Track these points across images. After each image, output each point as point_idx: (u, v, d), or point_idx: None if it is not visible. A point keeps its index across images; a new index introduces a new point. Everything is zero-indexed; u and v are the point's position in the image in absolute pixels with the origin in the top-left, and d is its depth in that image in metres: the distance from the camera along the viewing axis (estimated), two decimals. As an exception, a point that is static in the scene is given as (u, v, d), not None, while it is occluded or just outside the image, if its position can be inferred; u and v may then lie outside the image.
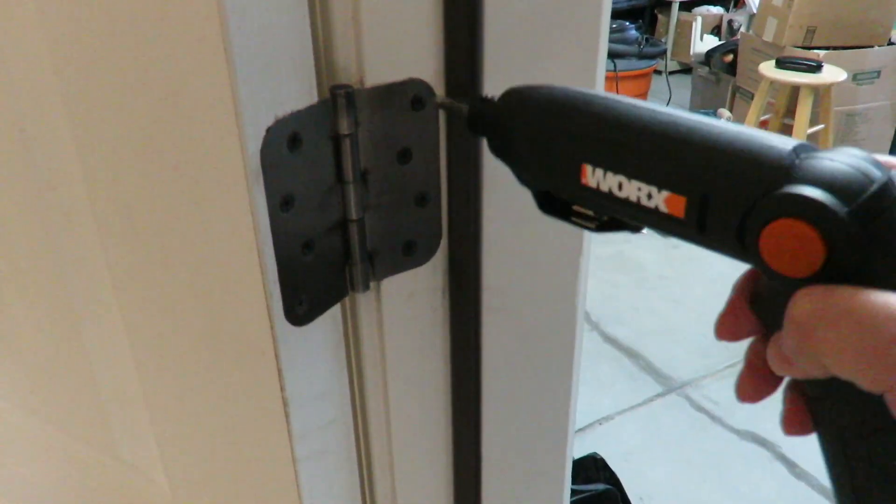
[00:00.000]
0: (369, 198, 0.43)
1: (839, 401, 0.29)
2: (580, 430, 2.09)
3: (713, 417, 2.13)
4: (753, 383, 0.32)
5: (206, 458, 0.54)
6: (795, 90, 3.03)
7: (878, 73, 3.20)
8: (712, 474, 1.94)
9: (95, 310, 0.54)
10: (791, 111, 3.09)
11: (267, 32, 0.35)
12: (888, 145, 3.37)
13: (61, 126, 0.44)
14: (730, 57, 3.77)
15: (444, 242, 0.47)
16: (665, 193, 0.30)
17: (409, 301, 0.47)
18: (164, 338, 0.49)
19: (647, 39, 4.04)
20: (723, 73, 3.84)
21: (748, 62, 3.53)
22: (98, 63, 0.39)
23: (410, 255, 0.46)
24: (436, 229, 0.46)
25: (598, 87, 0.47)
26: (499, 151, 0.38)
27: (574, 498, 1.60)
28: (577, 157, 0.33)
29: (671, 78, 4.24)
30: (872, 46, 3.22)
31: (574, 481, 1.66)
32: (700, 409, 2.17)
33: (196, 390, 0.50)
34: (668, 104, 4.01)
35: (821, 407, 0.30)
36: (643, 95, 3.89)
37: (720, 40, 4.32)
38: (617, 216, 0.34)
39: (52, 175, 0.49)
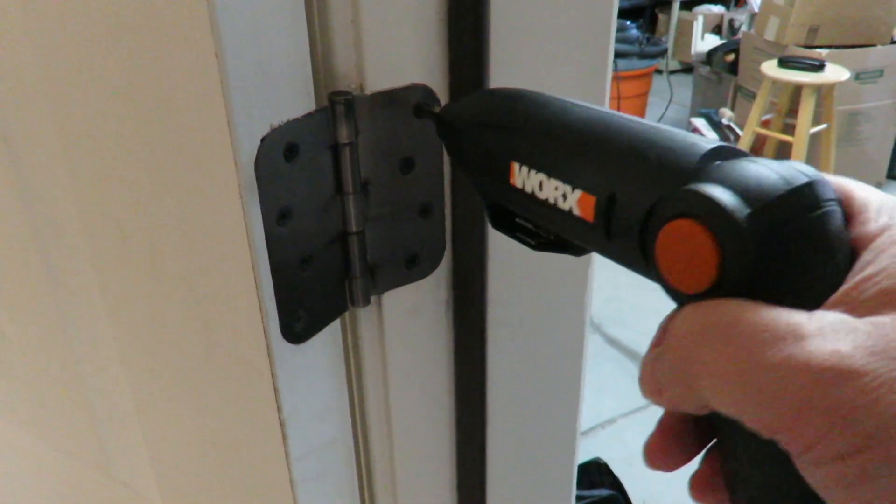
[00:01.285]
0: (370, 209, 0.41)
1: (748, 460, 0.24)
2: (583, 433, 2.07)
3: (717, 420, 2.11)
4: (666, 448, 0.27)
5: (201, 479, 0.52)
6: (798, 89, 3.01)
7: (882, 72, 3.17)
8: (716, 478, 1.92)
9: (87, 326, 0.52)
10: (793, 111, 3.07)
11: (261, 36, 0.33)
12: (891, 144, 3.35)
13: (48, 135, 0.42)
14: (731, 56, 3.75)
15: (447, 255, 0.45)
16: (578, 193, 0.28)
17: (412, 315, 0.45)
18: (158, 355, 0.47)
19: (647, 39, 4.02)
20: (724, 72, 3.82)
21: (750, 61, 3.51)
22: (85, 70, 0.37)
23: (413, 267, 0.44)
24: (439, 241, 0.44)
25: (606, 94, 0.45)
26: (450, 151, 0.38)
27: (579, 503, 1.59)
28: (506, 155, 0.32)
29: (672, 77, 4.22)
30: (875, 45, 3.19)
31: (578, 487, 1.65)
32: (703, 411, 2.16)
33: (191, 409, 0.48)
34: (669, 104, 3.99)
35: (732, 468, 0.25)
36: (644, 95, 3.87)
37: (721, 39, 4.29)
38: (545, 224, 0.32)
39: (40, 187, 0.47)
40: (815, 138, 3.04)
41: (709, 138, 0.26)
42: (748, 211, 0.21)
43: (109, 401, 0.56)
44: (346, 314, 0.44)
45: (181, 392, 0.48)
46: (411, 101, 0.39)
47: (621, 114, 0.29)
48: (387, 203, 0.41)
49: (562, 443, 0.56)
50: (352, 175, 0.39)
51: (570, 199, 0.29)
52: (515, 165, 0.32)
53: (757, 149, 3.29)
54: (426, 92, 0.39)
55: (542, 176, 0.30)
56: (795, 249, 0.22)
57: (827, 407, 0.19)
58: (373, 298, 0.43)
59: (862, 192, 0.24)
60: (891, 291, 0.20)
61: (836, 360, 0.19)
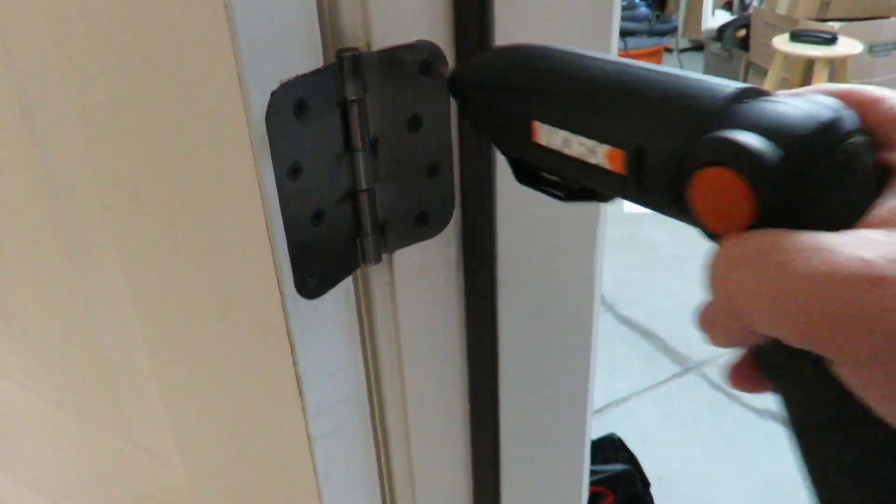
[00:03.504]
0: (379, 167, 0.41)
1: (798, 393, 0.25)
2: (597, 411, 2.08)
3: (730, 396, 2.11)
4: (745, 374, 0.28)
5: (220, 439, 0.53)
6: (810, 64, 2.98)
7: (895, 44, 3.14)
8: (731, 453, 1.92)
9: (104, 290, 0.53)
10: (806, 85, 3.04)
11: (269, -8, 0.33)
12: (905, 118, 3.31)
13: (63, 99, 0.43)
14: (742, 32, 3.72)
15: (457, 213, 0.45)
16: (605, 148, 0.28)
17: (423, 274, 0.46)
18: (174, 316, 0.48)
19: (657, 16, 3.98)
20: (735, 48, 3.79)
21: (761, 37, 3.48)
22: (97, 33, 0.38)
23: (423, 226, 0.44)
24: (448, 200, 0.45)
25: (613, 46, 0.45)
26: (466, 114, 0.37)
27: (593, 478, 1.60)
28: (528, 114, 0.32)
29: (682, 56, 4.18)
30: (889, 17, 3.15)
31: (592, 462, 1.66)
32: (717, 388, 2.16)
33: (208, 370, 0.49)
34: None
35: (784, 401, 0.26)
36: (654, 74, 3.84)
37: (732, 15, 4.25)
38: (573, 178, 0.32)
39: (57, 153, 0.48)
40: (827, 113, 3.01)
41: (730, 81, 0.26)
42: (778, 153, 0.22)
43: (128, 365, 0.57)
44: (358, 273, 0.44)
45: (198, 353, 0.49)
46: (418, 57, 0.40)
47: (639, 62, 0.29)
48: (395, 161, 0.42)
49: (574, 402, 0.57)
50: (360, 132, 0.39)
51: (597, 153, 0.29)
52: (537, 124, 0.31)
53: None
54: (432, 48, 0.40)
55: (566, 133, 0.30)
56: (826, 184, 0.22)
57: (855, 313, 0.20)
58: (384, 257, 0.44)
59: (888, 109, 0.24)
60: None
61: (860, 266, 0.20)
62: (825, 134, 0.22)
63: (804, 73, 3.10)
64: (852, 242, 0.21)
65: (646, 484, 1.73)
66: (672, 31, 4.14)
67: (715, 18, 4.12)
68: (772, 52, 3.06)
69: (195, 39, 0.34)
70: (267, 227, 0.37)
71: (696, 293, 2.62)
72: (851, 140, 0.23)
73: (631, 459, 1.75)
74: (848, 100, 0.25)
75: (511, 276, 0.48)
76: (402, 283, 0.45)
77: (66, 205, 0.50)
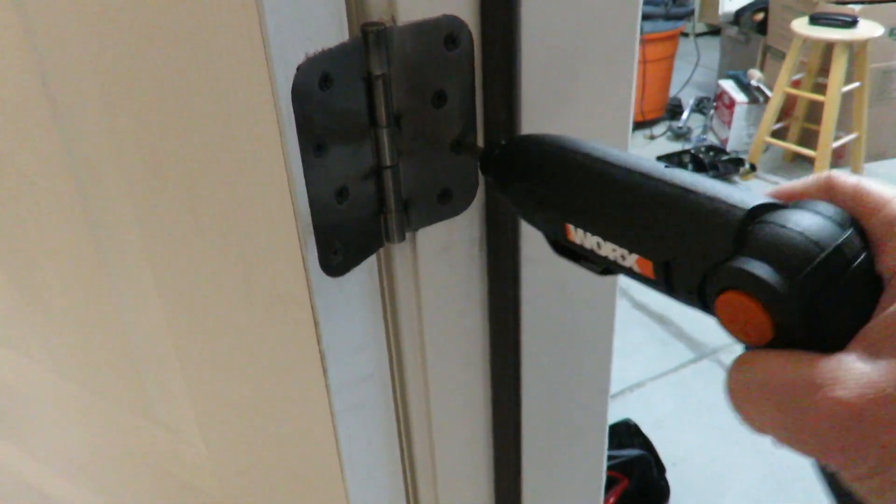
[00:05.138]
0: (403, 143, 0.41)
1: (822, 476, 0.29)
2: (612, 396, 2.07)
3: (746, 382, 2.10)
4: None
5: (241, 416, 0.53)
6: (829, 47, 2.94)
7: (917, 27, 3.08)
8: (745, 438, 1.92)
9: (126, 268, 0.53)
10: (825, 70, 3.00)
11: (295, -35, 0.33)
12: (926, 103, 3.26)
13: (84, 76, 0.43)
14: (760, 15, 3.66)
15: (480, 191, 0.45)
16: (635, 256, 0.31)
17: (446, 252, 0.46)
18: (197, 293, 0.48)
19: (674, 0, 3.94)
20: (753, 32, 3.74)
21: (779, 20, 3.43)
22: (120, 4, 0.38)
23: (446, 204, 0.44)
24: (472, 177, 0.44)
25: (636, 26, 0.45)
26: (501, 194, 0.40)
27: (609, 463, 1.60)
28: (560, 217, 0.35)
29: (699, 40, 4.14)
30: (910, 0, 3.10)
31: (608, 447, 1.66)
32: (733, 374, 2.15)
33: (230, 346, 0.49)
34: (695, 67, 3.92)
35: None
36: (670, 58, 3.80)
37: (750, -1, 4.19)
38: (607, 268, 0.35)
39: (79, 129, 0.48)
40: (847, 97, 2.97)
41: (744, 193, 0.28)
42: (790, 284, 0.25)
43: (149, 343, 0.57)
44: (381, 250, 0.44)
45: (220, 330, 0.49)
46: (442, 32, 0.39)
47: (663, 169, 0.32)
48: (419, 137, 0.42)
49: (595, 381, 0.56)
50: (385, 107, 0.39)
51: (628, 259, 0.32)
52: (570, 227, 0.34)
53: (787, 110, 3.23)
54: (457, 23, 0.40)
55: (598, 238, 0.33)
56: (833, 305, 0.26)
57: (850, 442, 0.24)
58: (407, 235, 0.44)
59: (885, 215, 0.27)
60: None
61: (840, 410, 0.24)
62: (831, 263, 0.26)
63: (823, 56, 3.05)
64: (842, 378, 0.24)
65: (661, 469, 1.73)
66: (689, 16, 4.09)
67: (732, 2, 4.07)
68: (790, 36, 3.02)
69: (221, 13, 0.34)
70: (292, 204, 0.37)
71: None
72: (855, 265, 0.26)
73: (646, 444, 1.75)
74: (856, 203, 0.28)
75: (533, 253, 0.47)
76: (425, 260, 0.45)
77: (87, 182, 0.51)
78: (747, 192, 0.29)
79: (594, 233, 0.33)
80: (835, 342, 0.26)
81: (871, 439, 0.24)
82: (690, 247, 0.29)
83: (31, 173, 0.55)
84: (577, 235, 0.34)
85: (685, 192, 0.30)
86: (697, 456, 1.90)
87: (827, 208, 0.27)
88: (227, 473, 0.60)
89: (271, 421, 0.50)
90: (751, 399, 0.27)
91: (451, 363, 0.49)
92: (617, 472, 1.66)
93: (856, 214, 0.28)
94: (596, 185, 0.33)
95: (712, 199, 0.29)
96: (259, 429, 0.53)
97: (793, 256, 0.25)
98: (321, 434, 0.45)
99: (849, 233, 0.26)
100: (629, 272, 0.32)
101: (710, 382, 2.13)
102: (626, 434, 1.77)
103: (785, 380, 0.25)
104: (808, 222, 0.26)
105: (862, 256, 0.26)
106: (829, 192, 0.29)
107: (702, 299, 0.29)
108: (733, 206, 0.28)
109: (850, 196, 0.28)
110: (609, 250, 0.32)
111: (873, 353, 0.25)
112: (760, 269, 0.26)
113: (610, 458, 1.63)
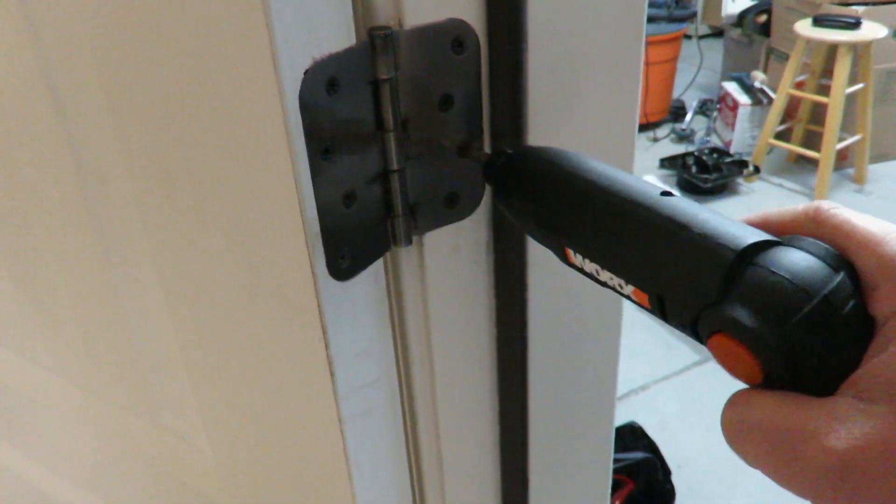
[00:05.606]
0: (410, 147, 0.41)
1: None
2: (617, 399, 2.07)
3: (751, 385, 2.10)
4: None
5: (248, 422, 0.53)
6: (833, 49, 2.94)
7: (920, 28, 3.08)
8: (752, 442, 1.91)
9: (133, 273, 0.53)
10: (828, 71, 2.99)
11: (301, -31, 0.33)
12: (930, 104, 3.25)
13: (92, 81, 0.43)
14: (763, 17, 3.66)
15: (487, 194, 0.45)
16: (631, 287, 0.32)
17: (453, 256, 0.46)
18: (203, 298, 0.48)
19: (676, 2, 3.93)
20: (756, 34, 3.74)
21: (783, 21, 3.43)
22: (128, 12, 0.38)
23: (453, 207, 0.44)
24: (479, 181, 0.44)
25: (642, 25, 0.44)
26: (502, 204, 0.40)
27: (614, 466, 1.59)
28: (561, 240, 0.35)
29: (701, 42, 4.14)
30: (914, 1, 3.09)
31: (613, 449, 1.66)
32: (737, 376, 2.14)
33: (237, 351, 0.49)
34: (699, 69, 3.91)
35: None
36: (673, 61, 3.80)
37: (753, 0, 4.19)
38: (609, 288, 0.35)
39: (86, 134, 0.48)
40: (850, 99, 2.97)
41: (736, 229, 0.29)
42: (777, 333, 0.25)
43: (155, 348, 0.57)
44: (388, 254, 0.44)
45: (227, 335, 0.49)
46: (449, 36, 0.39)
47: (659, 198, 0.32)
48: (426, 141, 0.41)
49: (602, 385, 0.56)
50: (392, 111, 0.39)
51: (626, 288, 0.32)
52: (570, 251, 0.35)
53: (791, 111, 3.22)
54: (464, 27, 0.39)
55: (596, 265, 0.33)
56: (825, 348, 0.26)
57: (843, 491, 0.24)
58: (414, 239, 0.44)
59: (880, 256, 0.27)
60: (893, 384, 0.25)
61: (830, 462, 0.24)
62: (821, 311, 0.26)
63: (827, 58, 3.05)
64: (835, 426, 0.24)
65: (666, 471, 1.73)
66: (691, 17, 4.09)
67: (735, 4, 4.06)
68: (793, 38, 3.02)
69: (229, 17, 0.34)
70: (300, 208, 0.37)
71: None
72: (845, 310, 0.26)
73: (651, 447, 1.74)
74: (847, 239, 0.28)
75: (540, 256, 0.47)
76: (432, 264, 0.45)
77: (94, 187, 0.51)
78: (739, 228, 0.29)
79: (592, 260, 0.33)
80: (826, 385, 0.26)
81: (862, 489, 0.24)
82: (683, 285, 0.29)
83: (37, 178, 0.55)
84: (577, 259, 0.34)
85: (678, 228, 0.30)
86: (703, 458, 1.89)
87: (818, 247, 0.27)
88: (234, 479, 0.59)
89: (278, 426, 0.50)
90: (745, 439, 0.27)
91: (457, 367, 0.49)
92: (622, 475, 1.65)
93: (847, 252, 0.28)
94: (594, 212, 0.34)
95: (705, 237, 0.29)
96: (265, 434, 0.52)
97: (781, 305, 0.26)
98: (328, 440, 0.45)
99: (840, 276, 0.26)
100: (628, 298, 0.33)
101: (715, 385, 2.12)
102: (631, 437, 1.77)
103: (777, 424, 0.26)
104: (799, 266, 0.26)
105: (853, 301, 0.26)
106: (818, 225, 0.29)
107: (696, 334, 0.29)
108: (724, 246, 0.28)
109: (840, 232, 0.28)
110: (608, 277, 0.33)
111: (864, 398, 0.25)
112: (748, 318, 0.26)
113: (615, 460, 1.62)
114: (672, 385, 2.17)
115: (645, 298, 0.31)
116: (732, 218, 0.30)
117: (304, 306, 0.40)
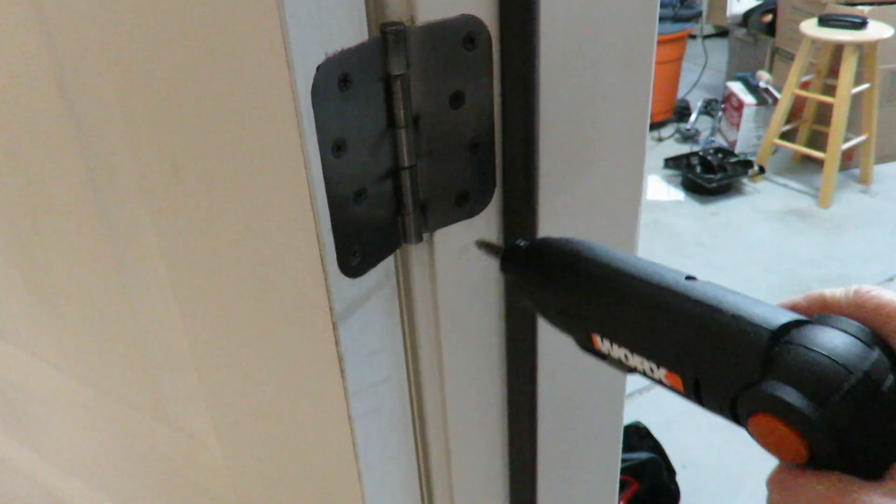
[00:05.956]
0: (421, 144, 0.41)
1: None
2: (620, 399, 2.07)
3: (757, 385, 2.09)
4: None
5: (257, 419, 0.53)
6: (839, 49, 2.93)
7: (927, 28, 3.06)
8: (754, 442, 1.91)
9: (141, 269, 0.53)
10: (834, 71, 2.98)
11: (314, -35, 0.33)
12: (936, 104, 3.24)
13: (101, 73, 0.43)
14: (768, 17, 3.65)
15: (497, 192, 0.45)
16: (663, 370, 0.32)
17: (463, 254, 0.45)
18: (213, 295, 0.48)
19: (681, 2, 3.93)
20: (761, 34, 3.73)
21: (788, 21, 3.42)
22: (139, 5, 0.38)
23: (463, 205, 0.44)
24: (489, 178, 0.44)
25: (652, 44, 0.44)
26: (524, 296, 0.41)
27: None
28: (586, 327, 0.35)
29: (706, 42, 4.13)
30: (920, 1, 3.08)
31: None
32: (743, 376, 2.13)
33: (246, 348, 0.49)
34: (703, 69, 3.90)
35: None
36: (678, 60, 3.79)
37: (758, 0, 4.18)
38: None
39: (95, 130, 0.47)
40: (856, 99, 2.96)
41: (766, 310, 0.29)
42: (821, 411, 0.25)
43: (164, 345, 0.57)
44: (398, 252, 0.44)
45: (236, 332, 0.48)
46: (461, 32, 0.39)
47: (685, 283, 0.32)
48: (437, 138, 0.41)
49: (612, 384, 0.56)
50: (403, 108, 0.39)
51: (657, 372, 0.32)
52: (596, 337, 0.35)
53: (796, 111, 3.21)
54: (476, 23, 0.39)
55: (625, 350, 0.33)
56: (867, 425, 0.26)
57: None
58: (424, 236, 0.44)
59: None
60: None
61: None
62: (862, 387, 0.26)
63: (832, 58, 3.04)
64: None
65: (671, 472, 1.72)
66: (696, 17, 4.08)
67: (740, 4, 4.05)
68: (799, 38, 3.01)
69: (242, 13, 0.33)
70: (311, 205, 0.36)
71: (718, 280, 2.59)
72: (885, 386, 0.26)
73: (656, 448, 1.74)
74: (882, 319, 0.28)
75: (551, 256, 0.47)
76: (442, 262, 0.45)
77: (102, 182, 0.51)
78: (768, 308, 0.29)
79: (621, 345, 0.33)
80: (872, 465, 0.26)
81: None
82: (719, 367, 0.29)
83: (47, 175, 0.55)
84: (604, 346, 0.34)
85: (710, 311, 0.30)
86: (708, 459, 1.89)
87: (850, 325, 0.27)
88: (243, 477, 0.59)
89: (287, 424, 0.50)
90: None
91: (467, 365, 0.49)
92: (627, 476, 1.65)
93: (881, 331, 0.28)
94: (621, 299, 0.34)
95: (737, 318, 0.29)
96: (274, 432, 0.52)
97: (822, 382, 0.26)
98: (338, 438, 0.45)
99: (876, 352, 0.27)
100: (659, 383, 0.33)
101: (720, 385, 2.11)
102: (635, 437, 1.76)
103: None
104: (834, 342, 0.27)
105: (892, 376, 0.26)
106: (857, 307, 0.29)
107: (734, 416, 0.29)
108: (759, 326, 0.28)
109: (882, 312, 0.28)
110: (637, 362, 0.33)
111: None
112: (791, 396, 0.26)
113: (621, 461, 1.62)
114: (677, 385, 2.16)
115: (679, 382, 0.31)
116: (757, 298, 0.30)
117: (314, 303, 0.40)
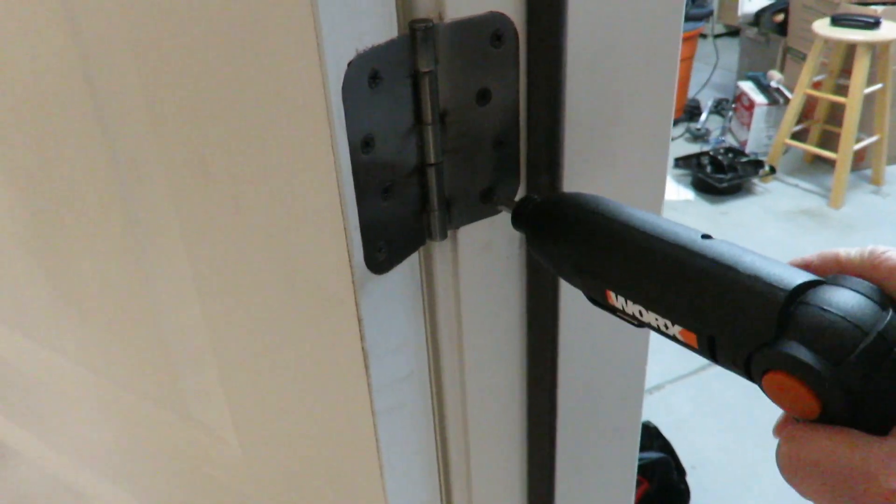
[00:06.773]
0: (447, 141, 0.41)
1: None
2: (630, 398, 2.06)
3: (767, 386, 2.09)
4: None
5: (278, 415, 0.53)
6: (851, 49, 2.91)
7: (940, 28, 3.04)
8: (765, 441, 1.90)
9: (165, 264, 0.53)
10: (846, 71, 2.97)
11: (346, -39, 0.33)
12: (949, 105, 3.22)
13: (128, 69, 0.43)
14: (780, 16, 3.64)
15: (521, 189, 0.45)
16: (678, 327, 0.32)
17: (486, 251, 0.45)
18: (237, 290, 0.48)
19: (692, 1, 3.91)
20: (773, 33, 3.71)
21: (800, 21, 3.40)
22: (167, 2, 0.38)
23: (488, 202, 0.44)
24: (514, 175, 0.44)
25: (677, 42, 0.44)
26: (536, 251, 0.40)
27: (628, 465, 1.59)
28: (601, 283, 0.35)
29: (717, 42, 4.11)
30: (934, 1, 3.06)
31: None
32: (753, 377, 2.13)
33: (269, 343, 0.49)
34: (714, 68, 3.89)
35: None
36: (689, 59, 3.78)
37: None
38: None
39: (121, 126, 0.48)
40: (869, 99, 2.94)
41: (783, 270, 0.30)
42: (835, 369, 0.26)
43: (185, 340, 0.57)
44: (422, 248, 0.44)
45: (260, 327, 0.49)
46: (489, 29, 0.39)
47: (701, 241, 0.32)
48: (463, 135, 0.41)
49: (631, 383, 0.56)
50: (431, 105, 0.39)
51: (671, 329, 0.32)
52: (611, 293, 0.35)
53: (808, 111, 3.20)
54: (503, 20, 0.39)
55: (639, 306, 0.34)
56: (880, 384, 0.27)
57: None
58: (448, 233, 0.44)
59: None
60: None
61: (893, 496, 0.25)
62: (876, 347, 0.26)
63: (845, 58, 3.02)
64: (886, 467, 0.25)
65: (681, 472, 1.72)
66: (708, 16, 4.07)
67: (752, 3, 4.04)
68: (811, 37, 3.00)
69: (275, 9, 0.34)
70: (340, 201, 0.37)
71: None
72: None
73: (666, 447, 1.74)
74: (894, 278, 0.29)
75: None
76: (466, 259, 0.45)
77: (127, 178, 0.51)
78: (784, 268, 0.30)
79: (636, 302, 0.34)
80: (882, 422, 0.27)
81: None
82: (735, 326, 0.30)
83: (72, 171, 0.55)
84: (619, 302, 0.35)
85: (727, 270, 0.31)
86: (718, 459, 1.88)
87: (865, 286, 0.28)
88: (263, 473, 0.60)
89: (309, 419, 0.50)
90: (803, 475, 0.28)
91: (488, 362, 0.49)
92: (637, 475, 1.65)
93: (894, 293, 0.28)
94: (637, 256, 0.34)
95: (753, 278, 0.30)
96: (295, 427, 0.53)
97: (837, 342, 0.27)
98: (361, 434, 0.45)
99: (890, 314, 0.27)
100: (672, 339, 0.33)
101: (730, 385, 2.11)
102: (645, 436, 1.76)
103: (837, 463, 0.26)
104: (849, 304, 0.27)
105: None
106: (873, 268, 0.30)
107: (747, 372, 0.30)
108: (775, 286, 0.29)
109: (888, 273, 0.29)
110: (652, 318, 0.33)
111: None
112: (806, 355, 0.27)
113: (630, 460, 1.62)
114: (687, 385, 2.16)
115: (693, 338, 0.31)
116: (774, 259, 0.31)
117: (340, 299, 0.40)
